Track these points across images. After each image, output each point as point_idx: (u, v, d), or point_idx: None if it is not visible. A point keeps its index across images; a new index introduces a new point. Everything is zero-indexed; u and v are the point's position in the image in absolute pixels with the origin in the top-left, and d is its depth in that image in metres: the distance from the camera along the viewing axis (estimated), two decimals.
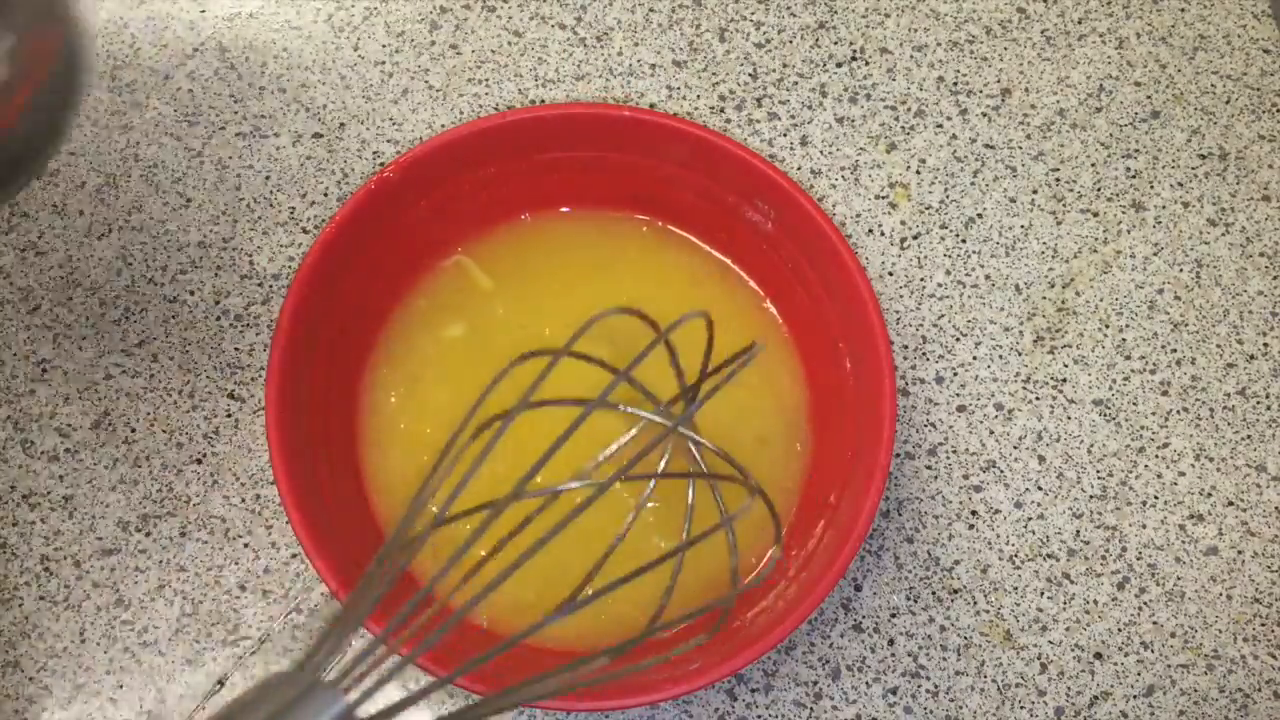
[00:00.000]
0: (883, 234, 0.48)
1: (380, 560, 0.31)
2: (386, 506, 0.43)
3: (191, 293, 0.46)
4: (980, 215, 0.49)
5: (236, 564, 0.43)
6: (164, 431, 0.45)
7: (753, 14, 0.52)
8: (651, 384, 0.39)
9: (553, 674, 0.31)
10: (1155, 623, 0.44)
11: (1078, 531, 0.45)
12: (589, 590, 0.35)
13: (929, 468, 0.45)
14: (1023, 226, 0.49)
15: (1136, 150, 0.50)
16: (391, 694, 0.42)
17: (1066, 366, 0.47)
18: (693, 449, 0.39)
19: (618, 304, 0.45)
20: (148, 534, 0.44)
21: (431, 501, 0.34)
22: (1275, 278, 0.48)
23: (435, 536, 0.40)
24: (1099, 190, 0.49)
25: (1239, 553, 0.45)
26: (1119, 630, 0.44)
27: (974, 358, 0.47)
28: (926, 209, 0.49)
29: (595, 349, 0.35)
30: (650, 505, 0.41)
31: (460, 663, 0.33)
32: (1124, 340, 0.47)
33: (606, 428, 0.39)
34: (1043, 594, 0.44)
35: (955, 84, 0.51)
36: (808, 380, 0.45)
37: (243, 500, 0.44)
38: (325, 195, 0.48)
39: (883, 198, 0.49)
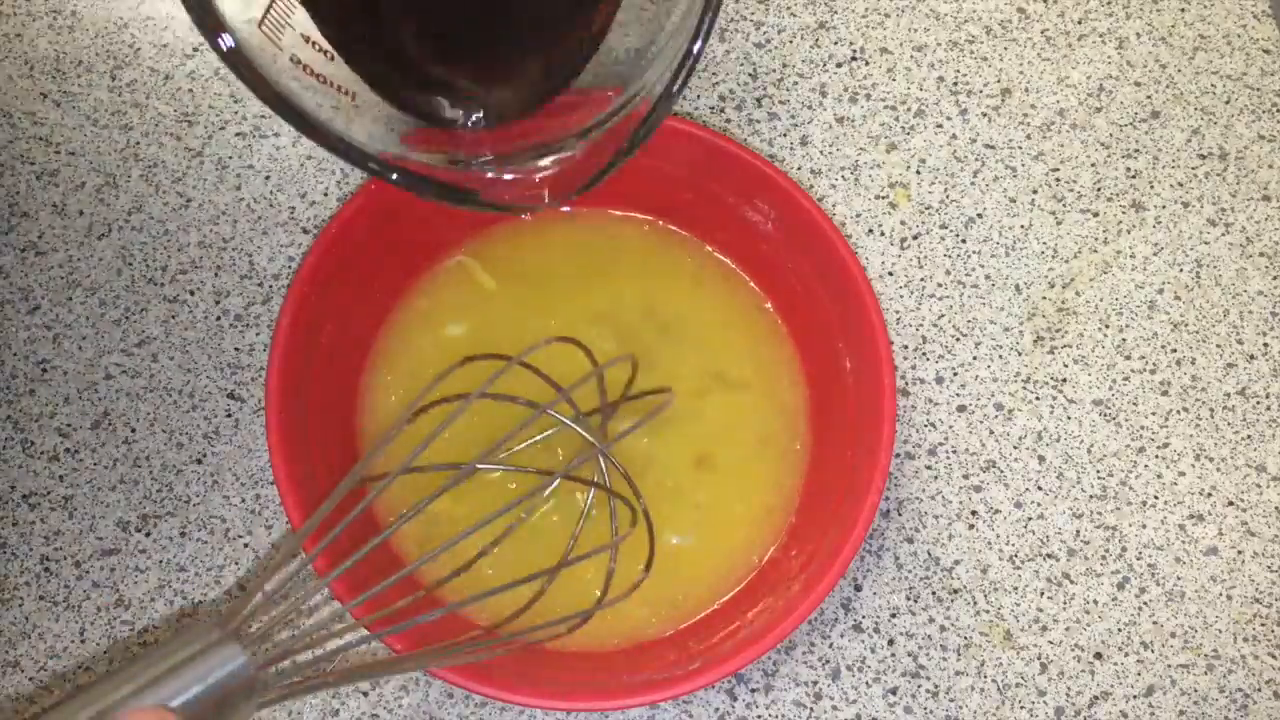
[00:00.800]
0: (883, 234, 0.48)
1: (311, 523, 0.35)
2: (385, 508, 0.43)
3: (191, 293, 0.46)
4: (980, 215, 0.49)
5: (236, 564, 0.43)
6: (164, 431, 0.45)
7: (753, 14, 0.52)
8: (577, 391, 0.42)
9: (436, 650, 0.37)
10: (1155, 623, 0.44)
11: (1078, 531, 0.45)
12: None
13: (929, 468, 0.45)
14: (1023, 226, 0.49)
15: (1136, 150, 0.50)
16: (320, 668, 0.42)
17: (1066, 366, 0.47)
18: (602, 463, 0.41)
19: (620, 303, 0.46)
20: (148, 534, 0.44)
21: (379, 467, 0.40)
22: (1275, 278, 0.48)
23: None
24: (1099, 190, 0.49)
25: (1239, 553, 0.45)
26: (1119, 630, 0.44)
27: (974, 358, 0.47)
28: (926, 209, 0.49)
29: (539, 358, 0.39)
30: (550, 498, 0.43)
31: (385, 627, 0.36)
32: (1124, 340, 0.47)
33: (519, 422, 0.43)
34: (1043, 594, 0.44)
35: (955, 84, 0.51)
36: (808, 380, 0.45)
37: (243, 500, 0.44)
38: (325, 195, 0.48)
39: (883, 198, 0.49)
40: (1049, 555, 0.44)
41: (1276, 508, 0.45)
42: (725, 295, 0.46)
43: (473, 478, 0.40)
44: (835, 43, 0.51)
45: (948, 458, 0.45)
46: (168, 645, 0.29)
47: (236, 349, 0.46)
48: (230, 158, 0.48)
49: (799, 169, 0.49)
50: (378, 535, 0.35)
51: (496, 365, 0.38)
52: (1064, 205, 0.49)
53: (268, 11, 0.27)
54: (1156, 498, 0.45)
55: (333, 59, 0.28)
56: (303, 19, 0.27)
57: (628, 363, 0.42)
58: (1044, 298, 0.48)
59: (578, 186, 0.32)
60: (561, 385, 0.39)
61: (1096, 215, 0.49)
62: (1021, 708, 0.43)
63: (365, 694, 0.42)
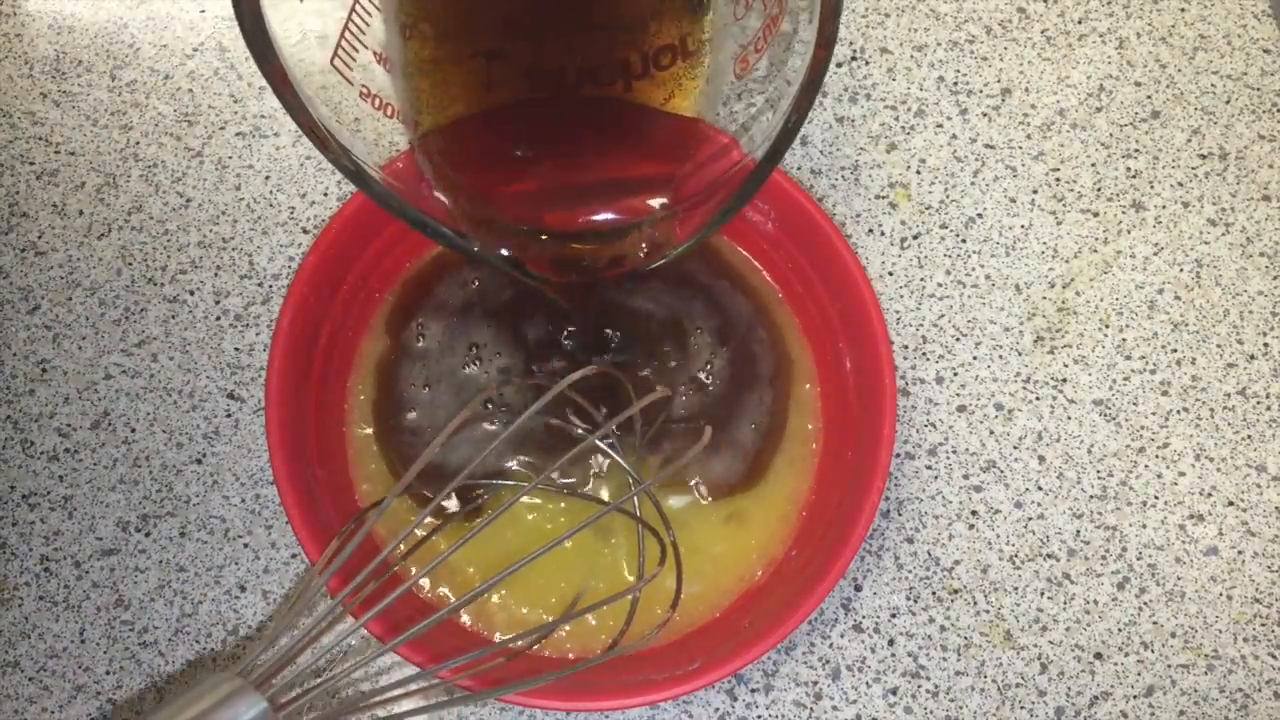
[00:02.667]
0: (883, 234, 0.48)
1: (320, 567, 0.35)
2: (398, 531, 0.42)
3: (191, 293, 0.46)
4: (980, 215, 0.49)
5: (236, 564, 0.43)
6: (164, 431, 0.45)
7: None
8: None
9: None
10: (1155, 623, 0.44)
11: (1078, 531, 0.45)
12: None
13: (929, 468, 0.45)
14: (1023, 226, 0.49)
15: (1137, 150, 0.50)
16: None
17: (1066, 366, 0.47)
18: (635, 499, 0.40)
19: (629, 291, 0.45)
20: (148, 534, 0.43)
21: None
22: (1275, 278, 0.48)
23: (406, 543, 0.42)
24: (1099, 190, 0.49)
25: (1239, 553, 0.45)
26: (1119, 630, 0.44)
27: (974, 358, 0.47)
28: (926, 209, 0.49)
29: None
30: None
31: (435, 652, 0.36)
32: (1124, 340, 0.47)
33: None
34: (1043, 594, 0.44)
35: (955, 84, 0.51)
36: (819, 377, 0.45)
37: (243, 500, 0.44)
38: (325, 195, 0.48)
39: (883, 198, 0.49)
40: (1049, 555, 0.44)
41: (1277, 508, 0.45)
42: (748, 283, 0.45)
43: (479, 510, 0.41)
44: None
45: (948, 458, 0.45)
46: (187, 694, 0.29)
47: (236, 349, 0.46)
48: (230, 158, 0.48)
49: (799, 169, 0.49)
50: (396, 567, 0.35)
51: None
52: (1064, 205, 0.49)
53: (339, 45, 0.26)
54: (1157, 498, 0.45)
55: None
56: (373, 38, 0.26)
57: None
58: (1044, 298, 0.48)
59: (653, 261, 0.31)
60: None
61: (1096, 215, 0.49)
62: (1021, 708, 0.42)
63: (364, 693, 0.42)
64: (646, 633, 0.38)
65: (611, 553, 0.42)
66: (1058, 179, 0.49)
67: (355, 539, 0.35)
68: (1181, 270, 0.48)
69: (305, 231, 0.47)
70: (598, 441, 0.37)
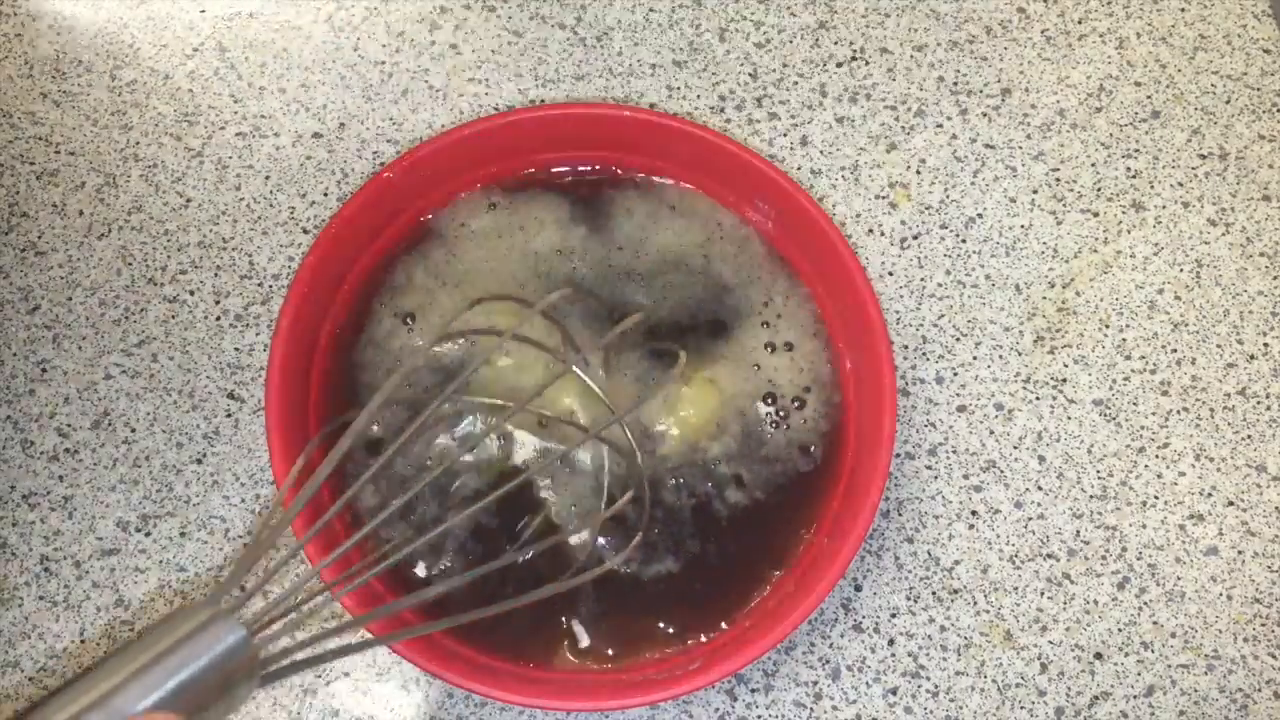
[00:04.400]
0: (883, 234, 0.48)
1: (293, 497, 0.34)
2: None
3: (191, 293, 0.46)
4: (980, 215, 0.49)
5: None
6: (164, 431, 0.45)
7: (753, 14, 0.52)
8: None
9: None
10: (1155, 623, 0.44)
11: (1078, 531, 0.45)
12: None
13: (929, 468, 0.45)
14: (1023, 226, 0.49)
15: (1136, 150, 0.50)
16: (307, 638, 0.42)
17: (1066, 366, 0.47)
18: (624, 429, 0.40)
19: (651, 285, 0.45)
20: (148, 534, 0.44)
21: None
22: (1275, 277, 0.48)
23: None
24: (1099, 190, 0.49)
25: (1239, 553, 0.45)
26: (1119, 630, 0.44)
27: (974, 358, 0.47)
28: (926, 209, 0.49)
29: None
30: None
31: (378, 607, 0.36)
32: (1124, 340, 0.47)
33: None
34: (1043, 594, 0.44)
35: (955, 84, 0.51)
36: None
37: (243, 500, 0.44)
38: (325, 195, 0.48)
39: (883, 198, 0.49)
40: (1049, 555, 0.44)
41: (1276, 508, 0.45)
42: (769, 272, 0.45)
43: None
44: (835, 43, 0.51)
45: (948, 458, 0.45)
46: (164, 625, 0.29)
47: (236, 349, 0.46)
48: (230, 158, 0.48)
49: (799, 169, 0.49)
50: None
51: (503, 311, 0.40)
52: (1064, 205, 0.49)
53: None
54: (1156, 498, 0.45)
55: None
56: None
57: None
58: (1044, 298, 0.48)
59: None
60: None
61: (1096, 215, 0.49)
62: (1021, 708, 0.42)
63: (365, 693, 0.42)
64: (622, 556, 0.38)
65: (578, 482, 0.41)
66: (1058, 179, 0.49)
67: (323, 468, 0.34)
68: (1181, 270, 0.48)
69: (305, 231, 0.47)
70: (574, 369, 0.37)
